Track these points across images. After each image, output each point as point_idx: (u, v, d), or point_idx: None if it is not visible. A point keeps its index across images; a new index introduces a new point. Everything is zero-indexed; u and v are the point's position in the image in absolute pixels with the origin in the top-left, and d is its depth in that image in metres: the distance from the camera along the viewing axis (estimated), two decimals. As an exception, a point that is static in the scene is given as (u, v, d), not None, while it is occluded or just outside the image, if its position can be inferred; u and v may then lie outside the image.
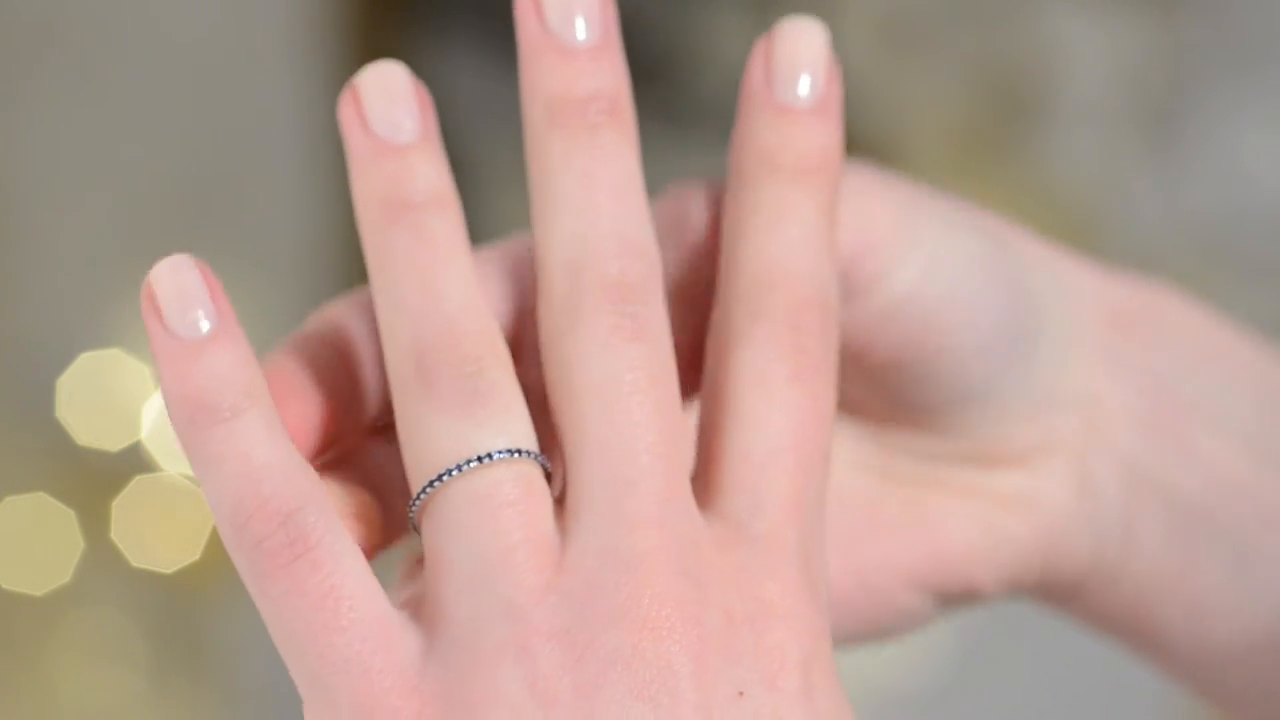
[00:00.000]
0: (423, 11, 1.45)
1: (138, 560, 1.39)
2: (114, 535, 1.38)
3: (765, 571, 0.41)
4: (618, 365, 0.42)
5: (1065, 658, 1.44)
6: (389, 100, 0.44)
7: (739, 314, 0.44)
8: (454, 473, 0.41)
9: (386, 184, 0.43)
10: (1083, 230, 1.45)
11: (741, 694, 0.40)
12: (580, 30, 0.44)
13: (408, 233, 0.43)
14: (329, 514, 0.41)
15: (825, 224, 0.44)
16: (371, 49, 1.43)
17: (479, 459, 0.41)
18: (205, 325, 0.41)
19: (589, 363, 0.42)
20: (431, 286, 0.42)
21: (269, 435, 0.41)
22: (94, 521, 1.38)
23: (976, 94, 1.45)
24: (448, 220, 0.43)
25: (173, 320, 0.41)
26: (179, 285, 0.41)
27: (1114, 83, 1.45)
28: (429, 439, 0.41)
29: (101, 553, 1.38)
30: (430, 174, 0.43)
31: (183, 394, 0.41)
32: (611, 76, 0.44)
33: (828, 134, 0.45)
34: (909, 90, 1.44)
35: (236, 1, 1.46)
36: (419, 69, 0.47)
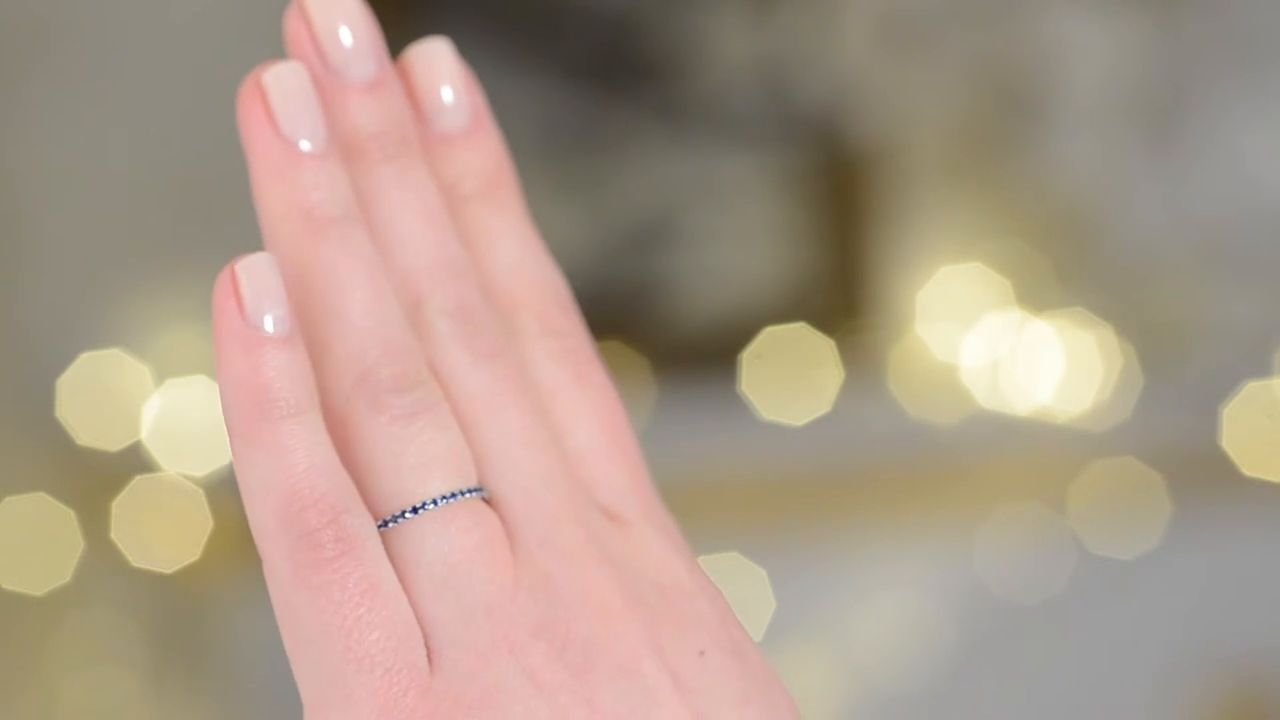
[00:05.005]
0: (421, 10, 1.45)
1: (138, 560, 1.39)
2: (114, 535, 1.38)
3: (663, 550, 0.43)
4: (486, 382, 0.43)
5: (1065, 658, 1.44)
6: (300, 104, 0.44)
7: None
8: (416, 511, 0.42)
9: (306, 193, 0.43)
10: (1083, 230, 1.45)
11: (702, 653, 0.41)
12: (361, 67, 0.44)
13: (336, 246, 0.43)
14: (369, 520, 0.42)
15: (524, 225, 0.46)
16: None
17: (440, 500, 0.42)
18: (283, 326, 0.42)
19: (461, 383, 0.43)
20: (369, 302, 0.43)
21: (325, 439, 0.42)
22: (94, 521, 1.38)
23: (976, 94, 1.45)
24: (365, 234, 0.44)
25: (252, 311, 0.42)
26: (265, 282, 0.42)
27: (1114, 83, 1.45)
28: (375, 451, 0.42)
29: (101, 553, 1.38)
30: (345, 185, 0.44)
31: (254, 382, 0.41)
32: (391, 109, 0.45)
33: (490, 144, 0.46)
34: (909, 90, 1.44)
35: (237, 2, 1.46)
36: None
